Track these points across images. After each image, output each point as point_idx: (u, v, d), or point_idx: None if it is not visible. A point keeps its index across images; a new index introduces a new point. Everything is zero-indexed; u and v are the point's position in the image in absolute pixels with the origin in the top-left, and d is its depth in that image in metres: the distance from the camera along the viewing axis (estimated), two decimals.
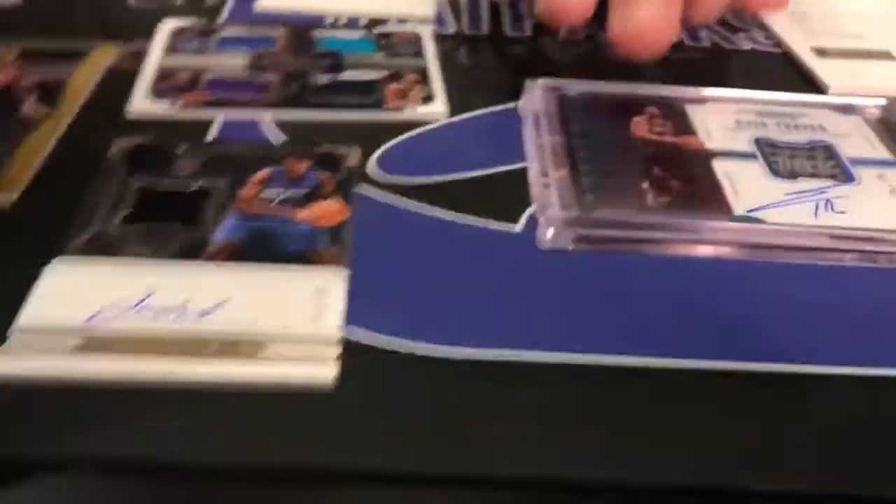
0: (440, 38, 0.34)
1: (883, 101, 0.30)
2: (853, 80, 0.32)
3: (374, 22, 0.35)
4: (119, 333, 0.19)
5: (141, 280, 0.20)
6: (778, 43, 0.36)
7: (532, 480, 0.17)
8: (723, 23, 0.37)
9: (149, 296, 0.20)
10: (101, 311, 0.19)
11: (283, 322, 0.20)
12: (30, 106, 0.27)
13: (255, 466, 0.17)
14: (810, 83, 0.33)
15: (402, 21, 0.35)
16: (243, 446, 0.17)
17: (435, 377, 0.19)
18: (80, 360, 0.18)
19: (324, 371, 0.19)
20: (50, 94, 0.28)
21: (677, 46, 0.35)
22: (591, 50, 0.34)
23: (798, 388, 0.20)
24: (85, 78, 0.29)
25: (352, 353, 0.19)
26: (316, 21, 0.35)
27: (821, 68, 0.33)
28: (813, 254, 0.23)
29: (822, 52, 0.35)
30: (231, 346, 0.19)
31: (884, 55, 0.35)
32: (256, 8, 0.35)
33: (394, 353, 0.20)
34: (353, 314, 0.20)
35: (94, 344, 0.19)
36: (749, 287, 0.22)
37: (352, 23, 0.35)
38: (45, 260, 0.21)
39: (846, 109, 0.29)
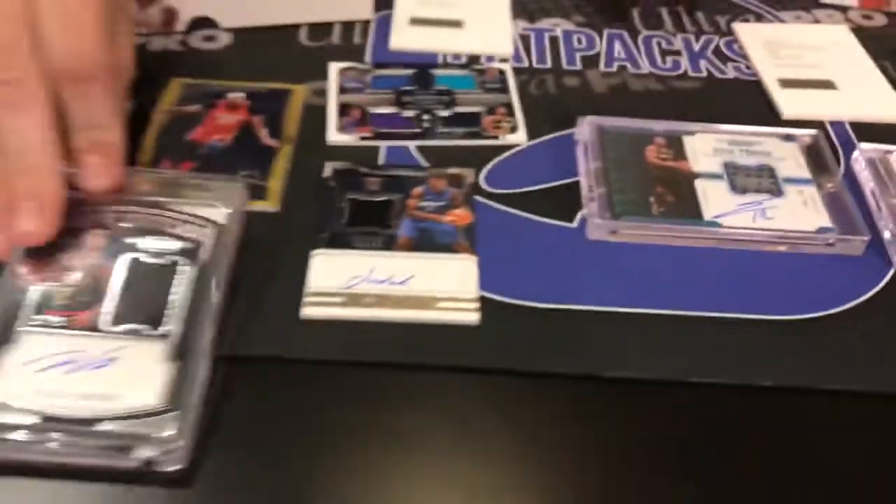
0: (517, 71, 0.50)
1: (814, 132, 0.45)
2: (802, 109, 0.47)
3: (472, 58, 0.50)
4: (362, 292, 0.36)
5: (365, 263, 0.37)
6: (755, 73, 0.51)
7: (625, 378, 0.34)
8: (717, 52, 0.52)
9: (371, 272, 0.37)
10: (349, 281, 0.36)
11: (444, 287, 0.36)
12: (265, 138, 0.44)
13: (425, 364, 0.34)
14: (772, 110, 0.48)
15: (489, 58, 0.51)
16: (415, 347, 0.34)
17: (528, 317, 0.36)
18: (347, 309, 0.35)
19: (471, 316, 0.35)
20: (274, 127, 0.44)
21: (682, 76, 0.50)
22: (623, 83, 0.50)
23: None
24: (293, 114, 0.45)
25: (485, 304, 0.36)
26: (433, 60, 0.50)
27: (781, 98, 0.48)
28: (748, 245, 0.39)
29: (784, 83, 0.50)
30: (419, 301, 0.36)
31: (828, 85, 0.50)
32: (391, 47, 0.51)
33: (505, 303, 0.36)
34: (483, 282, 0.37)
35: (352, 300, 0.36)
36: (708, 264, 0.38)
37: (456, 59, 0.50)
38: (308, 250, 0.38)
39: (788, 138, 0.45)
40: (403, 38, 0.51)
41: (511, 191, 0.42)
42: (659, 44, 0.53)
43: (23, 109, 0.32)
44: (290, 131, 0.44)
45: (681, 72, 0.50)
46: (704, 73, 0.51)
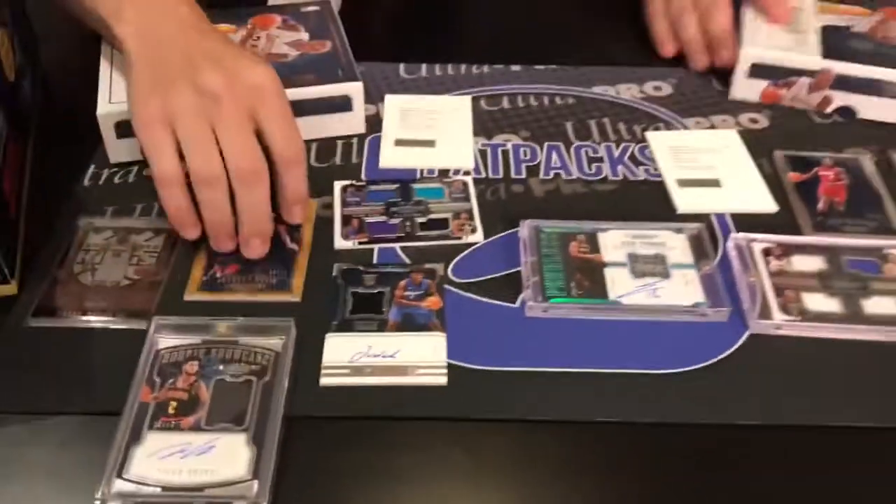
0: (477, 182, 0.65)
1: (698, 225, 0.60)
2: (692, 205, 0.62)
3: (442, 172, 0.66)
4: (363, 364, 0.51)
5: (365, 341, 0.52)
6: (660, 174, 0.66)
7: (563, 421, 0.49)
8: (632, 158, 0.67)
9: (370, 348, 0.52)
10: (353, 356, 0.51)
11: (422, 358, 0.51)
12: (289, 243, 0.59)
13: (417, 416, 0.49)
14: (671, 206, 0.63)
15: (456, 171, 0.66)
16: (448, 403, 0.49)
17: (483, 377, 0.51)
18: (353, 377, 0.50)
19: (440, 378, 0.50)
20: (293, 236, 0.60)
21: (603, 179, 0.65)
22: (557, 188, 0.65)
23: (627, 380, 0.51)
24: (308, 224, 0.60)
25: (451, 369, 0.51)
26: (413, 175, 0.65)
27: (677, 196, 0.63)
28: (642, 316, 0.54)
29: (681, 182, 0.65)
30: (404, 369, 0.51)
31: (715, 183, 0.65)
32: (380, 166, 0.66)
33: (466, 368, 0.51)
34: (450, 352, 0.52)
35: (356, 371, 0.50)
36: (613, 333, 0.53)
37: (430, 172, 0.66)
38: (324, 332, 0.53)
39: (679, 230, 0.60)
40: (390, 158, 0.67)
41: (471, 280, 0.57)
42: (587, 152, 0.68)
43: (256, 186, 0.53)
44: (306, 238, 0.59)
45: (602, 176, 0.66)
46: (621, 177, 0.66)
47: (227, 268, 0.57)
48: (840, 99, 0.71)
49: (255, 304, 0.54)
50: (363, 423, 0.48)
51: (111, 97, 0.62)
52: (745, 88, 0.72)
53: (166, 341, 0.51)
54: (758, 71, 0.71)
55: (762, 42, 0.72)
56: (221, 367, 0.50)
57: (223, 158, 0.53)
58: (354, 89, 0.67)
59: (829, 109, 0.71)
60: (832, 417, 0.49)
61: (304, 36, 0.72)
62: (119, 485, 0.44)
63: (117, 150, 0.64)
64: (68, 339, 0.52)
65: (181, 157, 0.53)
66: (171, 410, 0.48)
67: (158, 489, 0.44)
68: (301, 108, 0.62)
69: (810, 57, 0.70)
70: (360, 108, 0.68)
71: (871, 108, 0.70)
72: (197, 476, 0.45)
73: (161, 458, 0.45)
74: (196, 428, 0.47)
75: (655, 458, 0.47)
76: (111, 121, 0.62)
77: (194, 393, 0.49)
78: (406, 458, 0.47)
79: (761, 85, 0.72)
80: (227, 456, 0.45)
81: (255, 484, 0.44)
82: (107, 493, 0.44)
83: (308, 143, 0.62)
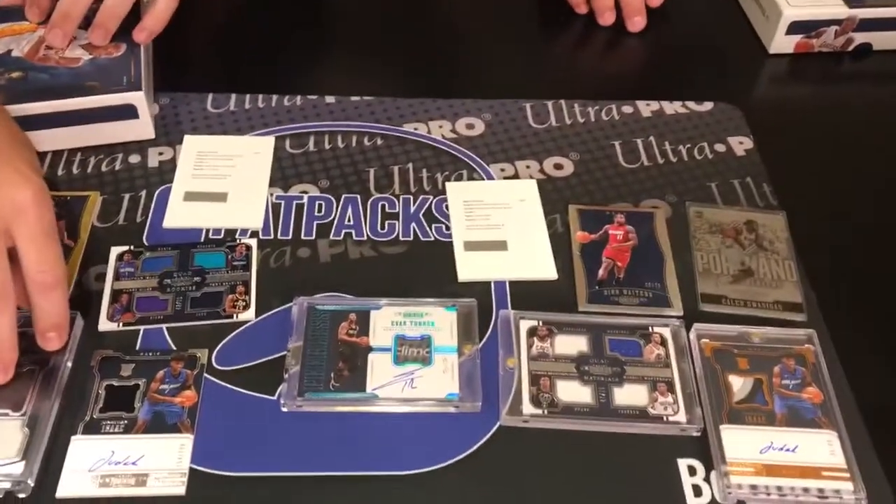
0: (262, 244, 0.64)
1: (470, 301, 0.60)
2: (473, 273, 0.62)
3: (229, 231, 0.64)
4: (104, 472, 0.51)
5: (109, 446, 0.52)
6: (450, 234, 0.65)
7: None
8: (427, 214, 0.67)
9: (113, 454, 0.52)
10: (95, 462, 0.51)
11: (166, 463, 0.51)
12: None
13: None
14: (455, 271, 0.63)
15: (244, 231, 0.64)
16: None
17: (228, 484, 0.51)
18: (92, 489, 0.50)
19: (179, 488, 0.51)
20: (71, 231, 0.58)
21: (394, 240, 0.64)
22: (345, 250, 0.64)
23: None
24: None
25: (194, 476, 0.51)
26: (196, 237, 0.64)
27: (460, 260, 0.63)
28: (397, 408, 0.54)
29: (468, 245, 0.64)
30: (144, 477, 0.51)
31: (502, 246, 0.64)
32: (164, 226, 0.65)
33: (212, 474, 0.51)
34: (195, 457, 0.52)
35: (95, 480, 0.50)
36: (366, 427, 0.53)
37: (216, 233, 0.64)
38: (69, 436, 0.52)
39: (450, 307, 0.59)
40: (175, 216, 0.65)
41: (235, 367, 0.56)
42: (383, 206, 0.67)
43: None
44: (83, 234, 0.62)
45: (393, 236, 0.65)
46: (412, 237, 0.65)
47: None
48: (859, 38, 0.83)
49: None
50: None
51: None
52: (782, 44, 0.83)
53: None
54: (794, 28, 0.82)
55: (796, 3, 0.81)
56: None
57: None
58: (137, 98, 0.68)
59: (851, 48, 0.84)
60: None
61: None
62: None
63: None
64: None
65: None
66: None
67: None
68: (87, 116, 0.67)
69: (838, 8, 0.81)
70: (145, 115, 0.69)
71: (885, 42, 0.84)
72: None
73: None
74: None
75: None
76: None
77: None
78: None
79: (795, 39, 0.82)
80: (2, 439, 0.51)
81: (23, 464, 0.50)
82: None
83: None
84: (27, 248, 0.53)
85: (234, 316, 0.59)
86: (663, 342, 0.58)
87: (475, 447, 0.53)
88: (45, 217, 0.54)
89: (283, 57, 0.80)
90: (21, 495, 0.49)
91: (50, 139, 0.68)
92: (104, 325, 0.58)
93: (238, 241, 0.64)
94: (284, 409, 0.54)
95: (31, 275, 0.53)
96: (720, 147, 0.73)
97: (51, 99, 0.66)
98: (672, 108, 0.77)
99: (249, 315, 0.59)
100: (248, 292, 0.60)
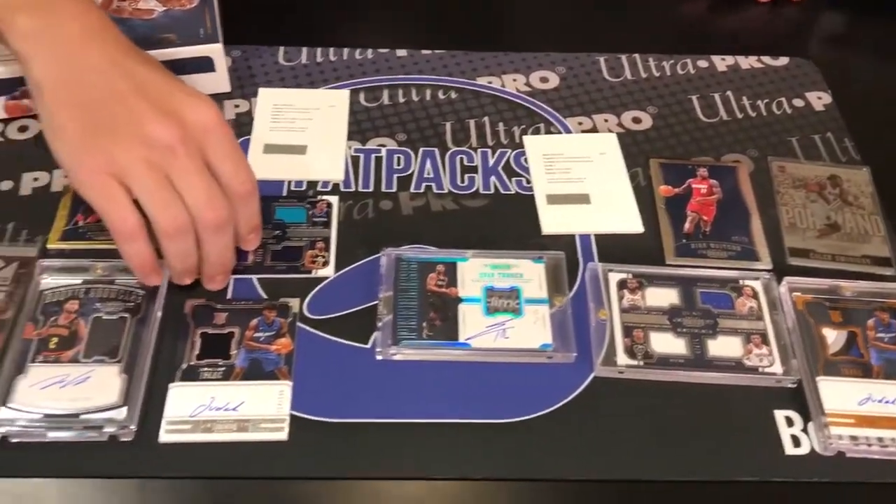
0: (344, 197, 0.63)
1: (559, 254, 0.59)
2: (557, 226, 0.62)
3: (311, 184, 0.64)
4: (205, 418, 0.51)
5: (209, 392, 0.52)
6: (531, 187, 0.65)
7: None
8: (506, 168, 0.66)
9: (212, 400, 0.52)
10: (195, 409, 0.51)
11: (264, 410, 0.52)
12: None
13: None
14: (538, 224, 0.62)
15: (325, 183, 0.64)
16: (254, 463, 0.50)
17: (327, 430, 0.51)
18: (193, 434, 0.51)
19: (281, 434, 0.51)
20: None
21: (474, 194, 0.64)
22: (426, 203, 0.64)
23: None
24: None
25: (295, 422, 0.51)
26: (278, 190, 0.64)
27: (544, 213, 0.63)
28: (491, 358, 0.54)
29: (550, 198, 0.64)
30: (246, 423, 0.51)
31: (584, 199, 0.64)
32: None
33: (311, 420, 0.52)
34: (294, 404, 0.52)
35: (196, 426, 0.51)
36: (460, 377, 0.54)
37: (298, 185, 0.64)
38: (166, 383, 0.52)
39: (538, 258, 0.59)
40: (257, 168, 0.63)
41: (326, 316, 0.56)
42: (461, 160, 0.67)
43: (225, 233, 0.53)
44: None
45: (473, 190, 0.64)
46: (492, 190, 0.65)
47: (88, 217, 0.60)
48: None
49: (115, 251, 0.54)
50: (203, 484, 0.49)
51: None
52: None
53: (49, 282, 0.56)
54: None
55: None
56: (99, 306, 0.55)
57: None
58: (215, 51, 0.67)
59: None
60: (670, 471, 0.50)
61: None
62: (3, 412, 0.50)
63: None
64: None
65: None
66: (52, 346, 0.53)
67: (39, 415, 0.50)
68: None
69: None
70: (222, 68, 0.69)
71: None
72: (74, 403, 0.50)
73: (42, 388, 0.51)
74: (74, 360, 0.52)
75: None
76: None
77: (74, 329, 0.54)
78: None
79: None
80: (102, 385, 0.51)
81: (125, 410, 0.50)
82: None
83: None
84: (224, 164, 0.53)
85: (313, 272, 0.59)
86: (755, 295, 0.57)
87: (571, 398, 0.53)
88: (230, 132, 0.54)
89: (351, 11, 0.80)
90: (125, 439, 0.50)
91: None
92: None
93: (319, 197, 0.63)
94: (379, 357, 0.54)
95: (234, 187, 0.54)
96: (798, 102, 0.72)
97: None
98: (747, 62, 0.76)
99: (328, 272, 0.59)
100: (327, 248, 0.60)
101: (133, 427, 0.50)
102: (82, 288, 0.56)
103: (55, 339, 0.53)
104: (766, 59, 0.76)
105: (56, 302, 0.55)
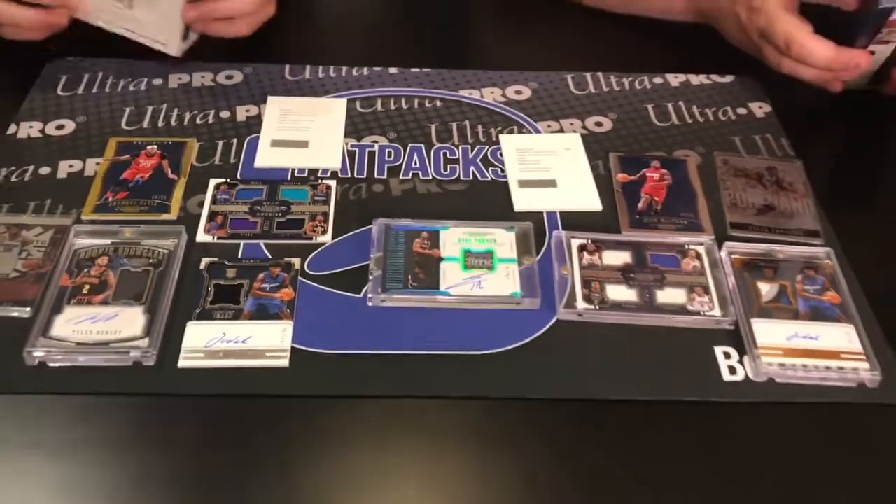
0: (342, 181, 0.72)
1: (527, 224, 0.68)
2: (528, 204, 0.71)
3: (312, 171, 0.73)
4: (217, 349, 0.59)
5: (221, 329, 0.60)
6: (506, 175, 0.74)
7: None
8: (483, 160, 0.75)
9: (224, 334, 0.60)
10: (209, 341, 0.59)
11: (269, 343, 0.59)
12: (170, 174, 0.67)
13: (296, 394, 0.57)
14: (510, 204, 0.71)
15: (325, 171, 0.73)
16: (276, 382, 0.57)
17: (324, 360, 0.59)
18: (210, 361, 0.58)
19: (283, 361, 0.58)
20: (175, 168, 0.67)
21: (455, 180, 0.73)
22: (413, 187, 0.73)
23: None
24: (187, 159, 0.69)
25: (295, 353, 0.59)
26: (283, 175, 0.73)
27: (516, 195, 0.72)
28: (467, 305, 0.62)
29: (521, 183, 0.73)
30: (252, 352, 0.59)
31: (551, 184, 0.73)
32: (255, 166, 0.74)
33: (309, 351, 0.59)
34: (295, 338, 0.60)
35: (210, 354, 0.58)
36: (442, 320, 0.61)
37: (301, 172, 0.73)
38: (184, 322, 0.60)
39: (510, 228, 0.68)
40: (265, 158, 0.74)
41: (324, 272, 0.65)
42: (445, 154, 0.76)
43: None
44: (185, 170, 0.70)
45: (455, 176, 0.73)
46: (471, 177, 0.74)
47: (117, 194, 0.69)
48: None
49: (140, 222, 0.66)
50: (214, 401, 0.56)
51: None
52: None
53: (82, 242, 0.65)
54: None
55: None
56: (126, 261, 0.64)
57: None
58: None
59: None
60: (623, 392, 0.58)
61: None
62: (42, 342, 0.58)
63: None
64: None
65: None
66: (84, 291, 0.61)
67: (73, 343, 0.58)
68: None
69: None
70: None
71: None
72: (104, 335, 0.58)
73: (76, 323, 0.59)
74: (105, 303, 0.61)
75: (475, 431, 0.56)
76: None
77: (104, 279, 0.62)
78: (242, 433, 0.55)
79: None
80: (128, 321, 0.59)
81: (147, 339, 0.58)
82: (34, 346, 0.57)
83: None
84: None
85: (314, 238, 0.67)
86: (699, 257, 0.66)
87: (536, 335, 0.61)
88: None
89: (347, 35, 0.90)
90: (147, 363, 0.57)
91: None
92: (201, 236, 0.66)
93: (320, 180, 0.72)
94: (370, 304, 0.62)
95: None
96: (742, 110, 0.82)
97: None
98: (697, 79, 0.86)
99: (326, 238, 0.67)
100: (326, 221, 0.68)
101: (154, 352, 0.57)
102: (111, 247, 0.64)
103: (87, 286, 0.61)
104: (715, 77, 0.86)
105: (88, 258, 0.64)
